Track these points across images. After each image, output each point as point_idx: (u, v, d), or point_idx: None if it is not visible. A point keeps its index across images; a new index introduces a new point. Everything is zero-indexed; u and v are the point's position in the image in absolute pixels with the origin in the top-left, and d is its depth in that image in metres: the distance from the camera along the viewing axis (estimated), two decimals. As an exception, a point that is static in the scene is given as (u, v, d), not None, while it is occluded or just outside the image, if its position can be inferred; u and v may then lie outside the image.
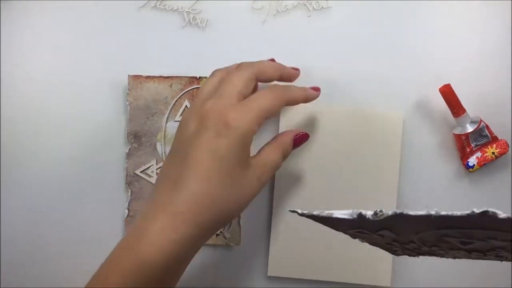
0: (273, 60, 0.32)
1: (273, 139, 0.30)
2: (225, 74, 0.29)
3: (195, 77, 0.35)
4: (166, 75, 0.35)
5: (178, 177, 0.26)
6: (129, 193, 0.36)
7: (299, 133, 0.31)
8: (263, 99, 0.27)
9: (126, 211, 0.36)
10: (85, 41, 0.35)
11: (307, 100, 0.30)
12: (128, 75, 0.35)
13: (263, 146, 0.29)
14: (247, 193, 0.26)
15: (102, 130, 0.36)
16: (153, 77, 0.35)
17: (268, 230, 0.34)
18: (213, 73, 0.30)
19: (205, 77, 0.35)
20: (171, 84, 0.35)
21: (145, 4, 0.35)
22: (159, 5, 0.35)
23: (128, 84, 0.35)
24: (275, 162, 0.28)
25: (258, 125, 0.27)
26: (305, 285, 0.35)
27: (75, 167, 0.36)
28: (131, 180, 0.36)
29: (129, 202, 0.36)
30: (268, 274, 0.34)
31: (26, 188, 0.36)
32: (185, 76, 0.35)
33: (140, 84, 0.35)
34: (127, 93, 0.35)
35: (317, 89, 0.31)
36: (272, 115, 0.28)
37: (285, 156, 0.29)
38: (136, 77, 0.35)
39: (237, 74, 0.28)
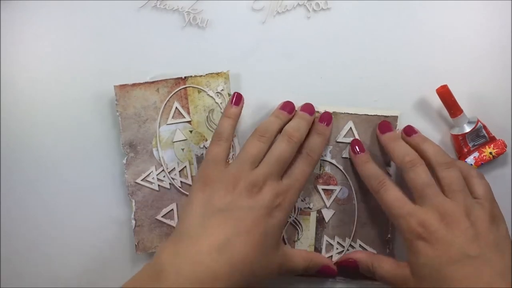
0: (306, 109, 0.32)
1: (307, 251, 0.33)
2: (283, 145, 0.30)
3: (181, 78, 0.34)
4: (151, 81, 0.34)
5: (224, 239, 0.27)
6: (133, 203, 0.36)
7: (330, 267, 0.32)
8: (303, 176, 0.31)
9: (133, 221, 0.36)
10: (84, 41, 0.34)
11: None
12: (114, 86, 0.33)
13: (297, 251, 0.32)
14: (269, 271, 0.29)
15: (97, 145, 0.35)
16: (139, 84, 0.34)
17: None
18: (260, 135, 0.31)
19: (190, 76, 0.34)
20: (158, 89, 0.34)
21: (145, 4, 0.34)
22: (159, 5, 0.34)
23: (116, 95, 0.34)
24: (296, 268, 0.31)
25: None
26: (305, 285, 0.36)
27: (74, 183, 0.35)
28: (133, 190, 0.36)
29: (134, 212, 0.36)
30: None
31: (26, 192, 0.35)
32: (170, 79, 0.34)
33: (127, 93, 0.34)
34: (116, 103, 0.34)
35: (327, 120, 0.33)
36: None
37: (305, 270, 0.32)
38: (122, 86, 0.34)
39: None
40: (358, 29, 0.34)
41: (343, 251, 0.35)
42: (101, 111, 0.35)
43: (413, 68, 0.34)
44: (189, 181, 0.36)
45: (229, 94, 0.34)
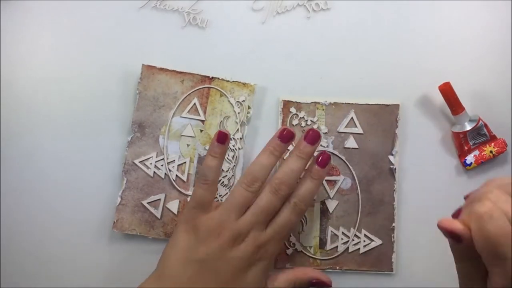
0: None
1: (292, 269, 0.31)
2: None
3: (208, 77, 0.35)
4: (179, 70, 0.36)
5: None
6: (125, 181, 0.34)
7: (320, 280, 0.30)
8: (288, 225, 0.30)
9: (119, 199, 0.34)
10: (84, 41, 0.35)
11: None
12: (142, 64, 0.36)
13: (281, 272, 0.30)
14: None
15: (109, 117, 0.36)
16: (166, 70, 0.36)
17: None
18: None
19: (217, 78, 0.35)
20: (183, 80, 0.36)
21: (145, 4, 0.35)
22: (159, 5, 0.34)
23: (141, 73, 0.36)
24: None
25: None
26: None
27: (75, 151, 0.35)
28: (128, 169, 0.35)
29: (123, 190, 0.34)
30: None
31: (26, 178, 0.35)
32: (197, 74, 0.35)
33: (153, 74, 0.36)
34: (138, 82, 0.36)
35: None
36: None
37: None
38: (150, 67, 0.36)
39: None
40: (358, 29, 0.34)
41: (348, 241, 0.33)
42: (99, 111, 0.35)
43: (414, 68, 0.34)
44: (184, 178, 0.35)
45: (249, 107, 0.34)
